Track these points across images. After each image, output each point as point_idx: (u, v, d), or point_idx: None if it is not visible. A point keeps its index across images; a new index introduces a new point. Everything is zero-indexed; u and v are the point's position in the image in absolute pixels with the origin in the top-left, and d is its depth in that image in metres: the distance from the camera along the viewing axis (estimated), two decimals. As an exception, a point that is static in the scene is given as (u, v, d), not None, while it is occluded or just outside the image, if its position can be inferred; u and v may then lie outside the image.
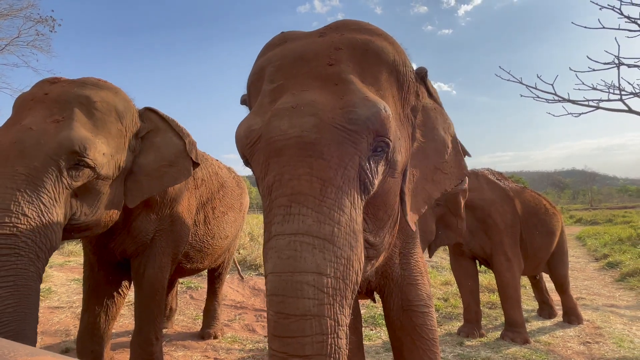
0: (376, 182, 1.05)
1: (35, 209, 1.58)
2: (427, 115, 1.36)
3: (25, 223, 1.54)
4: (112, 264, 2.54)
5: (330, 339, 0.86)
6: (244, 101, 1.38)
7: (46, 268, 5.48)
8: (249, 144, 1.05)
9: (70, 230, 1.84)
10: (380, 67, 1.15)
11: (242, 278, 5.03)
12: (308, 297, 0.84)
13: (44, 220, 1.61)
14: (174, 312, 4.00)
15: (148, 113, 2.14)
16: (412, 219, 1.30)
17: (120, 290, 2.64)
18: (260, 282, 5.35)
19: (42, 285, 4.55)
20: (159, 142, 2.12)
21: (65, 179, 1.70)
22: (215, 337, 3.61)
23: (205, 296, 4.10)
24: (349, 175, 0.97)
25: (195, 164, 2.19)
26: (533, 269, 4.33)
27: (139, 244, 2.39)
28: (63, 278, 4.79)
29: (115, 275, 2.60)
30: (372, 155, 1.02)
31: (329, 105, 1.00)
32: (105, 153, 1.83)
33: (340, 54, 1.11)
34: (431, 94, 1.42)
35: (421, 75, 1.35)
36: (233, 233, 3.42)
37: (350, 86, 1.04)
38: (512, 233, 3.85)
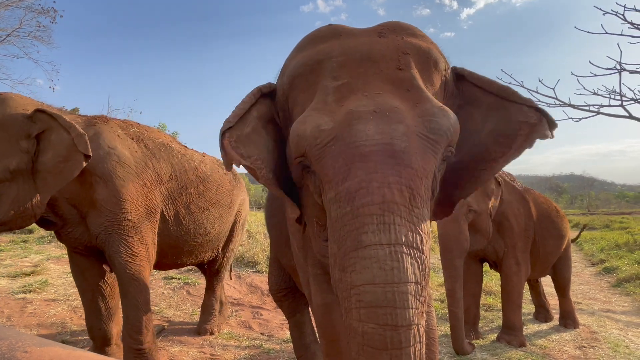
0: (437, 189, 1.07)
1: None
2: None
3: None
4: (84, 248, 2.63)
5: (423, 345, 0.89)
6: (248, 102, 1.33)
7: (43, 260, 5.46)
8: (319, 145, 1.00)
9: None
10: (436, 75, 1.15)
11: (231, 277, 4.97)
12: (412, 307, 0.86)
13: None
14: (225, 305, 4.04)
15: (38, 114, 2.24)
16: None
17: (106, 269, 2.77)
18: (258, 280, 5.35)
19: (38, 278, 4.57)
20: (54, 140, 2.23)
21: None
22: (212, 333, 3.61)
23: (202, 292, 4.10)
24: (429, 184, 0.97)
25: (87, 157, 2.24)
26: (541, 272, 4.32)
27: (94, 235, 2.49)
28: (60, 271, 4.77)
29: (94, 257, 2.70)
30: (441, 163, 1.04)
31: (409, 112, 1.00)
32: None
33: (408, 59, 1.10)
34: None
35: (460, 76, 1.32)
36: (218, 230, 3.34)
37: (422, 94, 1.04)
38: (525, 237, 3.82)
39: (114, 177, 2.47)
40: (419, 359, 0.88)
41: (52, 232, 2.63)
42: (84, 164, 2.21)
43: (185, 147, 3.37)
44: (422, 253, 0.90)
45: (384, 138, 0.94)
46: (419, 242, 0.90)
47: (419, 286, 0.88)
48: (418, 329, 0.87)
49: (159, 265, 3.11)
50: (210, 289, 3.82)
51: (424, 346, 0.90)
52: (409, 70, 1.08)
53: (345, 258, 0.92)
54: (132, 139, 2.75)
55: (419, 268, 0.88)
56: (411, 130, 0.96)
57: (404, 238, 0.88)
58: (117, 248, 2.49)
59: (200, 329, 3.61)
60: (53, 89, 13.03)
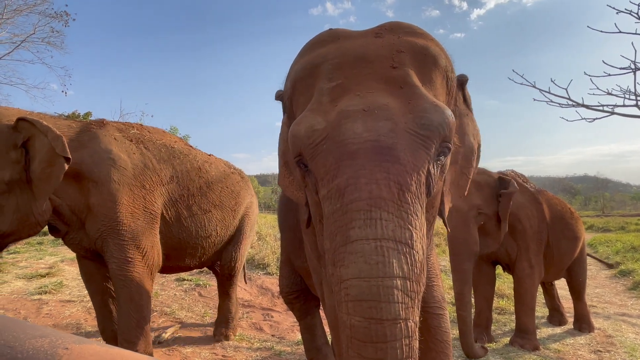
0: (436, 186, 1.06)
1: None
2: (460, 120, 1.36)
3: None
4: (87, 253, 2.65)
5: (413, 340, 0.89)
6: (280, 97, 1.38)
7: (57, 262, 5.55)
8: (312, 144, 1.03)
9: None
10: (436, 72, 1.16)
11: (245, 281, 4.99)
12: (398, 301, 0.86)
13: None
14: (234, 318, 3.77)
15: (21, 123, 2.24)
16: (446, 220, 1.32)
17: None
18: (268, 281, 5.37)
19: (53, 279, 4.65)
20: (38, 146, 2.24)
21: None
22: (227, 338, 3.55)
23: (213, 294, 4.12)
24: (421, 180, 0.98)
25: (67, 159, 2.24)
26: (556, 275, 4.26)
27: (93, 240, 2.51)
28: (74, 272, 4.85)
29: (99, 261, 2.71)
30: (436, 160, 1.04)
31: (401, 109, 1.01)
32: None
33: (402, 57, 1.11)
34: (466, 100, 1.42)
35: (461, 82, 1.36)
36: (221, 232, 3.30)
37: (416, 90, 1.05)
38: (538, 239, 3.77)
39: (109, 181, 2.46)
40: (407, 354, 0.87)
41: None
42: (66, 167, 2.22)
43: (190, 147, 3.35)
44: (412, 248, 0.90)
45: (371, 135, 0.96)
46: (407, 237, 0.90)
47: (407, 281, 0.88)
48: (406, 324, 0.87)
49: (162, 269, 3.10)
50: (225, 293, 3.74)
51: (415, 342, 0.90)
52: (403, 68, 1.09)
53: (336, 253, 0.94)
54: (131, 141, 2.75)
55: (406, 263, 0.88)
56: (399, 126, 0.97)
57: (391, 233, 0.89)
58: (111, 253, 2.49)
59: (216, 333, 3.58)
60: (65, 93, 13.31)
